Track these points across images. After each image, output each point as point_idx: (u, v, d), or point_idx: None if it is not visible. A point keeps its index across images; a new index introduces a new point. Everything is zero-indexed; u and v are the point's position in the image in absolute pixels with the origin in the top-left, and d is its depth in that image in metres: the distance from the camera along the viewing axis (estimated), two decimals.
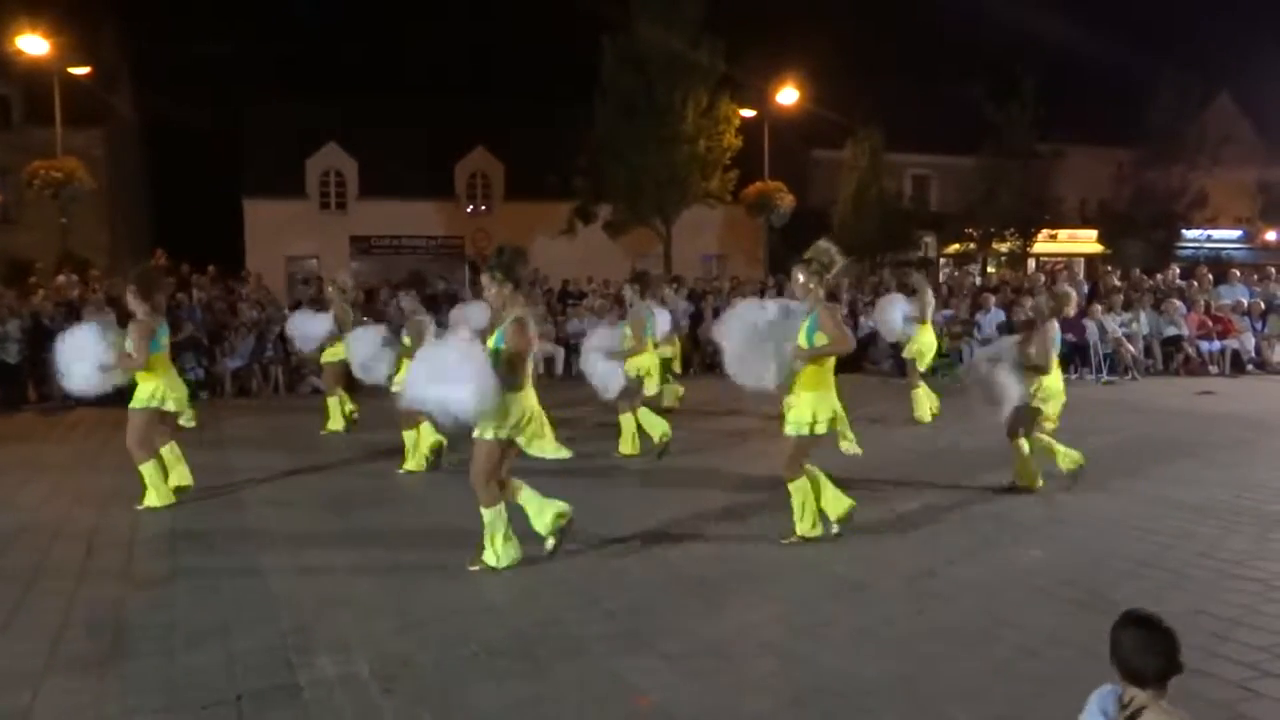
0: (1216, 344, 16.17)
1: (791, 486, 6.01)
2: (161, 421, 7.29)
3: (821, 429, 5.91)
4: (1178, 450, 9.12)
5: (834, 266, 6.00)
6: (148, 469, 7.08)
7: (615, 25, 25.37)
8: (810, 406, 5.86)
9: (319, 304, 13.70)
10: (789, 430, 5.94)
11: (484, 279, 5.64)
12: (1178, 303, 16.70)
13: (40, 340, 12.30)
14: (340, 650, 4.34)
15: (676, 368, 12.64)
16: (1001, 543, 6.00)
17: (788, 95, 28.03)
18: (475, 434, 5.48)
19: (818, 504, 6.01)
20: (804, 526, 6.00)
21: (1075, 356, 15.60)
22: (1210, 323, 16.45)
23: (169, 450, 7.41)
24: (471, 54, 52.94)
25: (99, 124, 28.91)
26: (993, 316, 16.22)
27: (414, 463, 8.40)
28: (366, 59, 48.64)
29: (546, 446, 5.58)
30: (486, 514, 5.53)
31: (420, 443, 8.35)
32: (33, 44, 21.73)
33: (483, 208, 33.77)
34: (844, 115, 30.49)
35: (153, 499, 7.06)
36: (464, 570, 5.48)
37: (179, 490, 7.30)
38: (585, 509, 6.03)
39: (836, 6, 38.68)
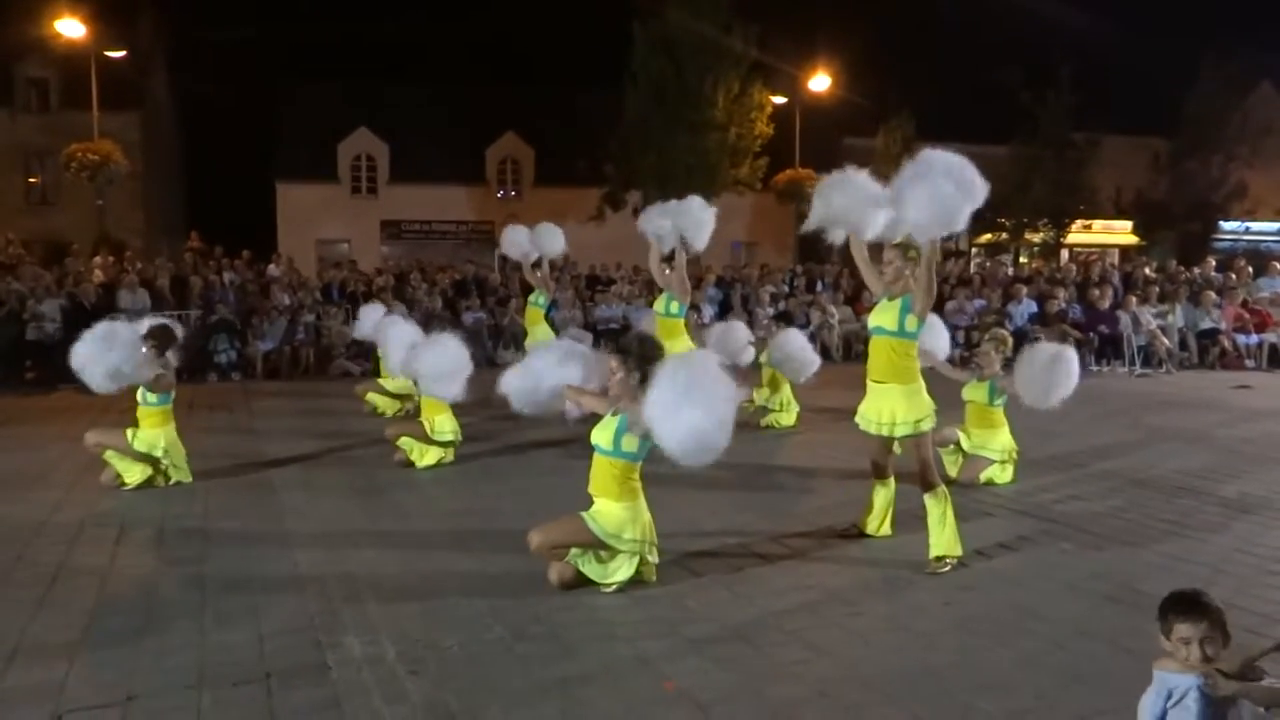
0: (1254, 337, 15.92)
1: (932, 499, 5.33)
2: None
3: (929, 424, 5.36)
4: (1213, 444, 9.00)
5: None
6: (111, 456, 7.19)
7: (646, 11, 25.28)
8: (918, 399, 5.36)
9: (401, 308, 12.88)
10: (910, 430, 5.32)
11: (613, 363, 4.97)
12: (1213, 295, 16.46)
13: (78, 320, 12.42)
14: (367, 632, 4.38)
15: None
16: (1031, 536, 5.94)
17: (820, 82, 27.80)
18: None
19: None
20: (944, 543, 5.27)
21: (1108, 348, 15.44)
22: (1247, 316, 16.20)
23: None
24: (502, 40, 53.04)
25: (135, 107, 29.26)
26: (1025, 307, 16.11)
27: (432, 456, 7.99)
28: (398, 44, 48.92)
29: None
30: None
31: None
32: (70, 27, 21.98)
33: (513, 193, 33.86)
34: (876, 102, 30.25)
35: (130, 476, 7.14)
36: (489, 554, 5.51)
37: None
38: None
39: None
